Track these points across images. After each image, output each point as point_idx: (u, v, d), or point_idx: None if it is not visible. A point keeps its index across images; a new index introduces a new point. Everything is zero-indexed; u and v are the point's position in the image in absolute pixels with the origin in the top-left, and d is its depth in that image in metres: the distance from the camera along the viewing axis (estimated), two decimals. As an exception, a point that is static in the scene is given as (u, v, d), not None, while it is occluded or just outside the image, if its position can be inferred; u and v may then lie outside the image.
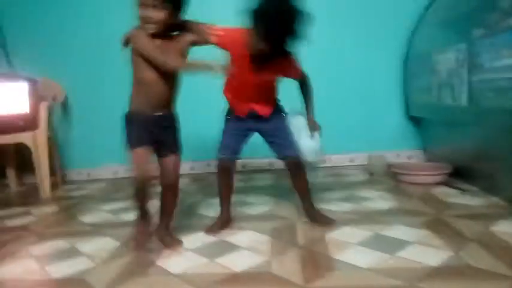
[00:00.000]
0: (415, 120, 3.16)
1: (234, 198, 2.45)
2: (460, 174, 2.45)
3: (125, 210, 2.38)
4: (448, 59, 2.34)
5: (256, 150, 3.30)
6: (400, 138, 3.21)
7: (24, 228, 2.18)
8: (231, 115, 1.94)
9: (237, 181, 2.95)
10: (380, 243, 1.61)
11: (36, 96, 2.94)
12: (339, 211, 2.06)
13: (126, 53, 1.68)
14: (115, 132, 3.33)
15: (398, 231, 1.72)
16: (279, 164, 3.32)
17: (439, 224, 1.77)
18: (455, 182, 2.39)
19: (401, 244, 1.57)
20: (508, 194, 1.99)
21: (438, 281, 1.28)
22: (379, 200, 2.21)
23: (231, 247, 1.68)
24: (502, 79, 1.83)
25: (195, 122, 3.14)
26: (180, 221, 2.09)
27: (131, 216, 2.24)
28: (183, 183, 3.00)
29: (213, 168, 3.37)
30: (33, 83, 2.93)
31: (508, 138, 1.93)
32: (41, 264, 1.66)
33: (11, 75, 3.12)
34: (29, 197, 2.94)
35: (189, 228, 1.94)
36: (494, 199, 2.05)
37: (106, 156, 3.41)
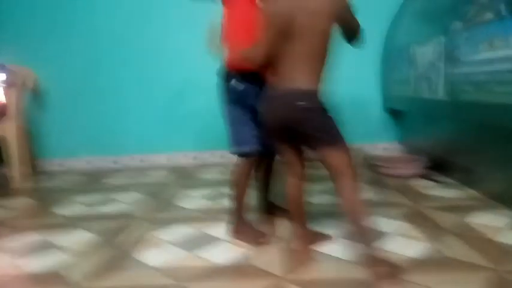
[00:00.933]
0: (393, 113, 3.18)
1: (212, 190, 2.44)
2: (437, 166, 2.48)
3: (101, 202, 2.33)
4: (426, 52, 2.36)
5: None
6: (378, 130, 3.24)
7: (-6, 221, 2.11)
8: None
9: (216, 173, 2.94)
10: (360, 235, 1.61)
11: (6, 83, 2.82)
12: (320, 203, 2.07)
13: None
14: (91, 121, 3.27)
15: (377, 223, 1.73)
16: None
17: (417, 216, 1.79)
18: (432, 174, 2.43)
19: (380, 235, 1.58)
20: (483, 186, 2.03)
21: (417, 272, 1.29)
22: (358, 192, 2.22)
23: (211, 239, 1.66)
24: (479, 73, 1.85)
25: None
26: (158, 214, 2.06)
27: (106, 208, 2.20)
28: (160, 175, 2.97)
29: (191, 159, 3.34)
30: (2, 69, 2.81)
31: (484, 132, 1.96)
32: (14, 258, 1.60)
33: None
34: (0, 189, 2.84)
35: (168, 221, 1.91)
36: (471, 191, 2.09)
37: (81, 146, 3.32)
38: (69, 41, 3.21)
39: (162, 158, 3.35)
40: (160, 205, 2.20)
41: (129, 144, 3.32)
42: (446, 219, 1.72)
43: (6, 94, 2.79)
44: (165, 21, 3.16)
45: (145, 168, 3.21)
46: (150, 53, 3.19)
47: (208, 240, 1.66)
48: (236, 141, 1.60)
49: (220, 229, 1.76)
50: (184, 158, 3.34)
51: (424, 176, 2.42)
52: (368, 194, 2.18)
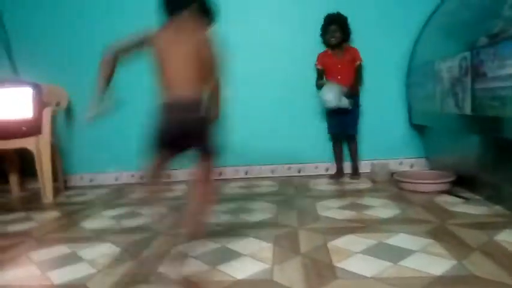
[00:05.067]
0: (418, 128, 3.15)
1: (235, 204, 2.46)
2: (463, 182, 2.44)
3: (127, 216, 2.38)
4: (451, 68, 2.33)
5: (258, 157, 3.32)
6: (403, 146, 3.20)
7: (26, 233, 2.18)
8: None
9: (239, 188, 2.96)
10: (383, 251, 1.59)
11: (40, 102, 2.95)
12: (342, 219, 2.05)
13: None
14: (118, 137, 3.36)
15: (401, 239, 1.71)
16: (281, 171, 3.34)
17: (443, 233, 1.75)
18: (458, 191, 2.38)
19: (404, 253, 1.56)
20: (511, 202, 1.97)
21: (442, 291, 1.27)
22: (382, 208, 2.20)
23: (233, 254, 1.67)
24: (506, 88, 1.82)
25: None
26: (181, 228, 2.08)
27: (133, 222, 2.25)
28: (184, 189, 3.01)
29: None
30: (37, 88, 2.94)
31: (511, 147, 1.92)
32: (42, 270, 1.66)
33: (16, 80, 3.13)
34: (31, 202, 2.94)
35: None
36: (498, 208, 2.04)
37: (108, 162, 3.41)
38: (97, 57, 3.32)
39: (187, 173, 3.39)
40: (183, 219, 2.23)
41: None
42: (473, 236, 1.68)
43: (36, 110, 2.90)
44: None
45: (171, 184, 3.27)
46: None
47: (231, 255, 1.67)
48: None
49: (243, 244, 1.77)
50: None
51: (449, 192, 2.38)
52: (393, 210, 2.16)
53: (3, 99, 2.91)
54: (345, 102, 2.85)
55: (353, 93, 2.93)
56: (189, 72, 1.48)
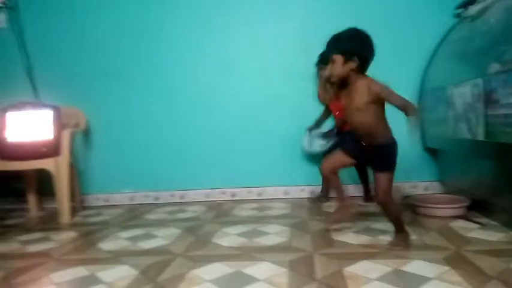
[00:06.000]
0: (432, 152, 3.15)
1: (249, 227, 2.47)
2: (478, 207, 2.43)
3: (143, 237, 2.41)
4: (464, 93, 2.35)
5: (271, 179, 3.35)
6: (417, 169, 3.20)
7: (44, 254, 2.22)
8: None
9: (252, 210, 2.98)
10: (399, 279, 1.59)
11: (60, 123, 3.03)
12: (357, 244, 2.06)
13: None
14: (134, 158, 3.42)
15: (417, 266, 1.70)
16: (295, 193, 3.34)
17: (459, 260, 1.75)
18: (473, 216, 2.37)
19: (421, 280, 1.56)
20: (528, 229, 1.97)
21: (459, 320, 1.26)
22: (396, 233, 2.19)
23: (248, 279, 1.68)
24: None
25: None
26: (196, 251, 2.11)
27: (149, 244, 2.28)
28: (198, 211, 3.04)
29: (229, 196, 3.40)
30: (57, 110, 3.03)
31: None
32: (62, 292, 1.69)
33: (37, 103, 3.23)
34: (49, 222, 2.99)
35: (206, 259, 1.95)
36: (514, 234, 2.04)
37: (125, 183, 3.47)
38: (113, 80, 3.42)
39: (201, 195, 3.43)
40: (199, 242, 2.25)
41: (170, 181, 3.44)
42: (489, 264, 1.68)
43: (56, 132, 2.98)
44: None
45: (184, 204, 3.30)
46: (195, 98, 3.36)
47: (247, 279, 1.68)
48: None
49: (258, 269, 1.79)
50: (222, 195, 3.41)
51: (464, 217, 2.37)
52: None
53: (25, 121, 3.01)
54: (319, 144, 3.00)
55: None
56: None
